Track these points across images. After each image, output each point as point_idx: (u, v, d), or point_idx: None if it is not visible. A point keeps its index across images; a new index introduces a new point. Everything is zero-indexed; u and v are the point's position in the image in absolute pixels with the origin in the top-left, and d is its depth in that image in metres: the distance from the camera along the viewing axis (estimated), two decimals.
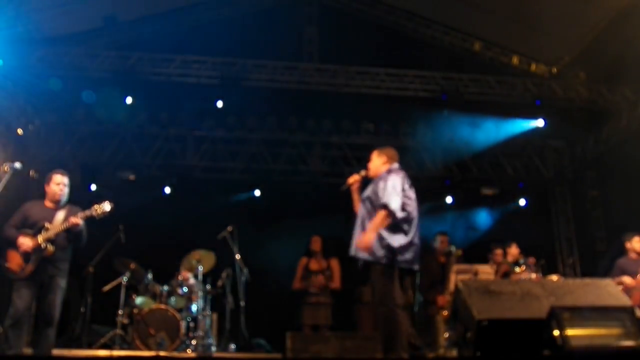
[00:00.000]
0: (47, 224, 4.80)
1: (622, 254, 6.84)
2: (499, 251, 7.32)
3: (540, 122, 10.27)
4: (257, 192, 10.65)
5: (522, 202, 11.12)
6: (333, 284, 6.52)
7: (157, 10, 10.97)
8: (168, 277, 7.83)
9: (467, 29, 11.40)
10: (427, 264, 7.06)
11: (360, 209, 4.46)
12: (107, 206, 4.87)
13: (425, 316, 6.96)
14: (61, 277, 4.83)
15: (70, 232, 4.83)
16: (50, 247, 4.73)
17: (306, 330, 6.29)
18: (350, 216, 4.66)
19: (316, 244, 6.60)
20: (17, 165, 4.72)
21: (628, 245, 6.75)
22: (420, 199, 4.61)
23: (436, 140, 10.65)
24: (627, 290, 6.39)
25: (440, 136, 10.57)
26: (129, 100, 9.53)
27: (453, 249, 6.86)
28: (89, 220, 4.96)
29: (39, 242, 4.72)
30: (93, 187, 9.87)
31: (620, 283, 6.44)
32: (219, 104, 9.83)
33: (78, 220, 4.74)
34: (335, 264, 6.70)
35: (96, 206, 4.86)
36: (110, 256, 7.57)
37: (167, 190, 10.33)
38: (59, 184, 4.95)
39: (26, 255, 4.70)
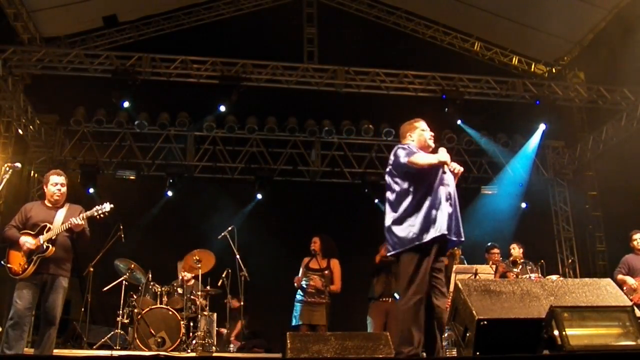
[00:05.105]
0: (48, 225, 4.79)
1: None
2: (495, 250, 7.29)
3: (541, 127, 10.23)
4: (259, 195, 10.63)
5: (522, 203, 11.10)
6: (333, 287, 6.43)
7: (157, 11, 10.98)
8: (168, 277, 7.86)
9: (467, 29, 11.41)
10: None
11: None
12: (107, 207, 4.87)
13: None
14: (63, 277, 4.82)
15: (72, 232, 4.83)
16: (52, 248, 4.73)
17: (303, 329, 6.23)
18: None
19: (315, 244, 6.56)
20: (17, 165, 4.72)
21: (634, 243, 6.79)
22: None
23: None
24: (630, 290, 6.42)
25: None
26: (126, 104, 9.51)
27: (455, 250, 6.83)
28: (90, 220, 4.95)
29: (41, 242, 4.72)
30: (93, 187, 9.84)
31: (623, 282, 6.48)
32: (222, 108, 9.81)
33: (80, 222, 4.73)
34: (335, 265, 6.61)
35: (97, 207, 4.87)
36: (110, 256, 7.56)
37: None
38: (56, 184, 4.93)
39: (28, 256, 4.70)
